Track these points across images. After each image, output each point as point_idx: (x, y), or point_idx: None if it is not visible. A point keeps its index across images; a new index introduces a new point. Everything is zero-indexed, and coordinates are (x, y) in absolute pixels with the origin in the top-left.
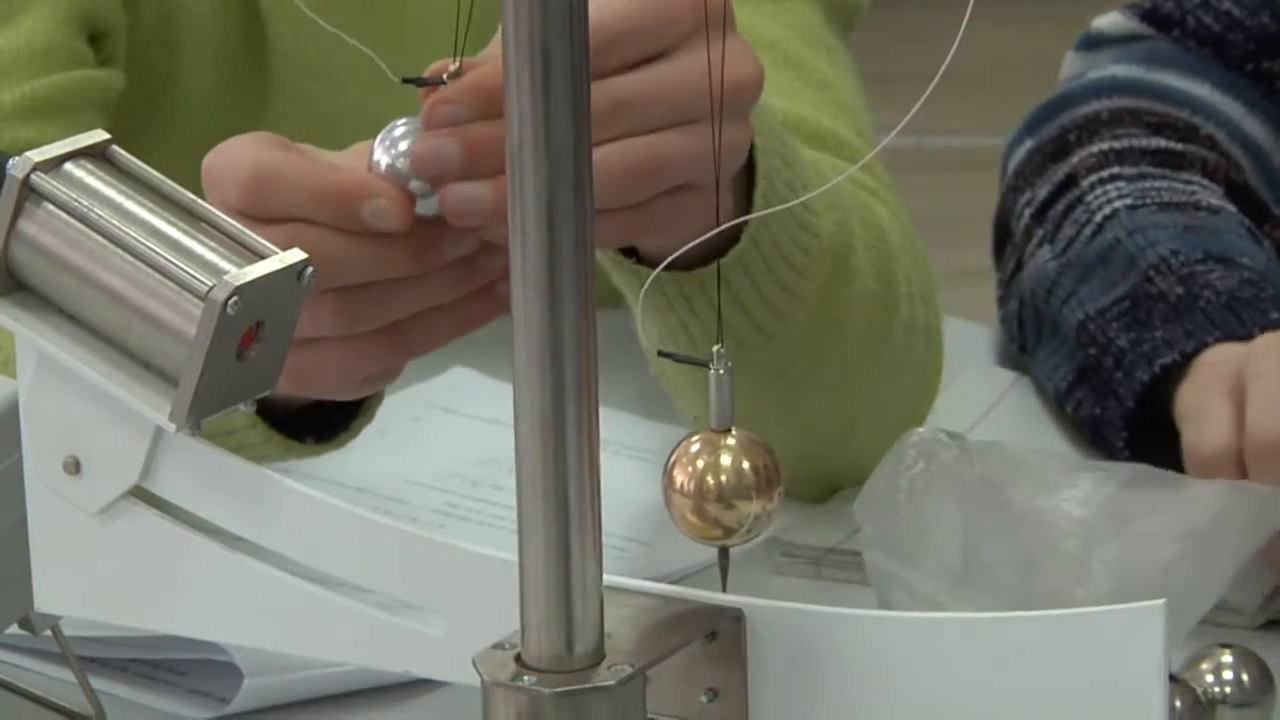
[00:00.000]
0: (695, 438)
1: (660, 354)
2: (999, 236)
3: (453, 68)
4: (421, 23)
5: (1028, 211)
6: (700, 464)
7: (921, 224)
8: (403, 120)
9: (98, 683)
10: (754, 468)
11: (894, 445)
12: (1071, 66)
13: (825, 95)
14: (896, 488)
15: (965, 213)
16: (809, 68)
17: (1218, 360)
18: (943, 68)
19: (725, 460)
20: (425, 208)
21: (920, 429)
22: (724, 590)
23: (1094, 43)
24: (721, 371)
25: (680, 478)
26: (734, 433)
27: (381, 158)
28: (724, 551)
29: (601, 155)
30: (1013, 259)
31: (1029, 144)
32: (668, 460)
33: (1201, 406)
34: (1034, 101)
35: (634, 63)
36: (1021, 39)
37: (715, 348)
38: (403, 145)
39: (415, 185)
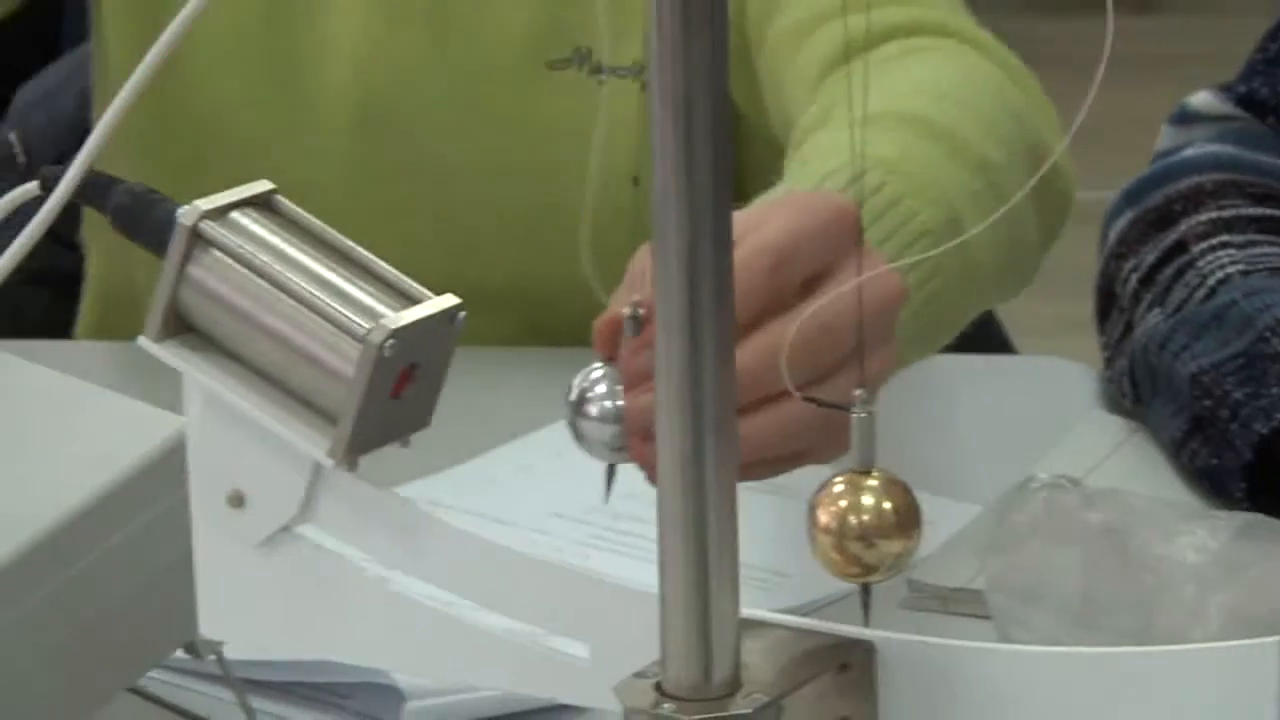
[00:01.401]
0: (838, 478)
1: (805, 399)
2: (1103, 303)
3: (627, 311)
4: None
5: (1134, 276)
6: (843, 503)
7: (1044, 274)
8: (597, 367)
9: (262, 704)
10: (895, 508)
11: (1017, 491)
12: (1167, 140)
13: None
14: (1019, 532)
15: (1086, 263)
16: None
17: None
18: (1073, 127)
19: (867, 500)
20: (597, 438)
21: (1043, 475)
22: (866, 624)
23: (1188, 119)
24: (863, 414)
25: (824, 517)
26: (875, 473)
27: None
28: (866, 588)
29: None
30: (1120, 323)
31: (1130, 214)
32: (811, 499)
33: None
34: (1148, 159)
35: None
36: (1137, 100)
37: (857, 390)
38: (605, 402)
39: (609, 435)
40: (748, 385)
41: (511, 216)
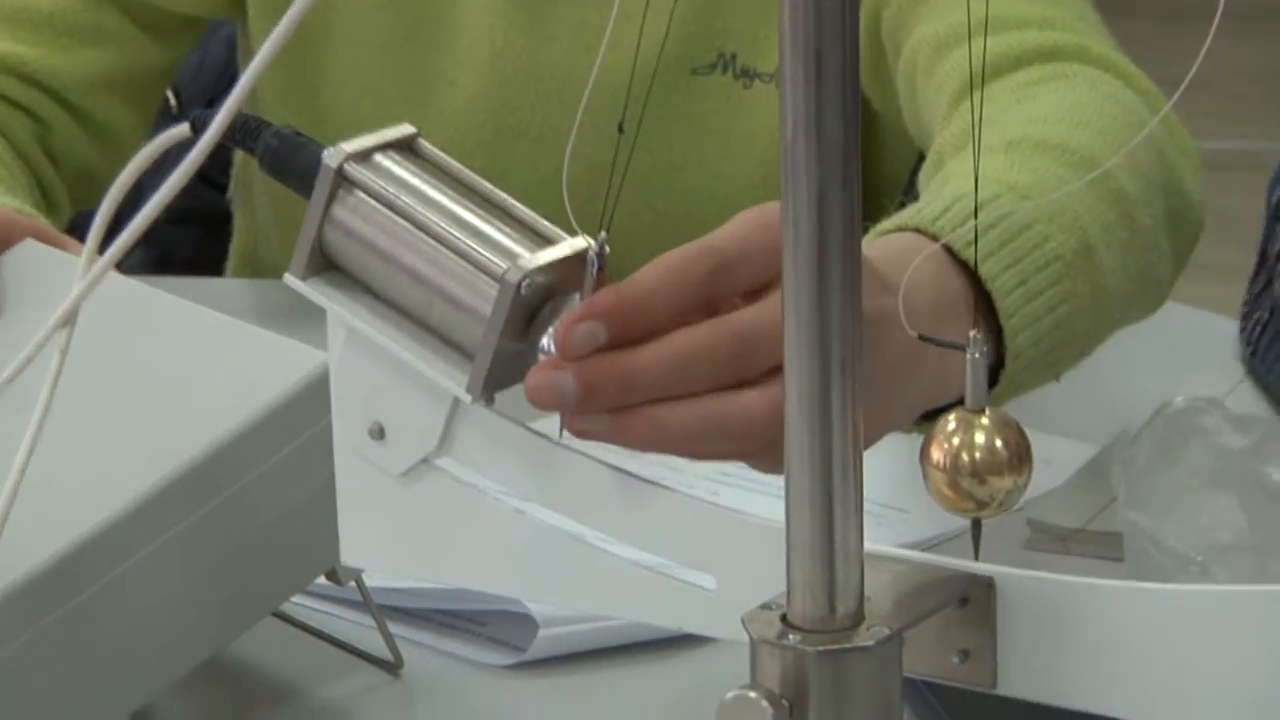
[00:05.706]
0: (951, 416)
1: (921, 337)
2: (1258, 263)
3: (594, 247)
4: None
5: None
6: (956, 441)
7: None
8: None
9: (401, 630)
10: (1006, 444)
11: (1156, 411)
12: None
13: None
14: (1156, 451)
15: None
16: None
17: None
18: (1188, 76)
19: (979, 438)
20: None
21: (1181, 398)
22: (976, 558)
23: None
24: (977, 355)
25: (937, 454)
26: (988, 412)
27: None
28: (976, 523)
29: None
30: (1263, 278)
31: None
32: (925, 437)
33: None
34: (1262, 106)
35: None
36: (1245, 51)
37: (971, 332)
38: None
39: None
40: (656, 385)
41: (655, 215)
